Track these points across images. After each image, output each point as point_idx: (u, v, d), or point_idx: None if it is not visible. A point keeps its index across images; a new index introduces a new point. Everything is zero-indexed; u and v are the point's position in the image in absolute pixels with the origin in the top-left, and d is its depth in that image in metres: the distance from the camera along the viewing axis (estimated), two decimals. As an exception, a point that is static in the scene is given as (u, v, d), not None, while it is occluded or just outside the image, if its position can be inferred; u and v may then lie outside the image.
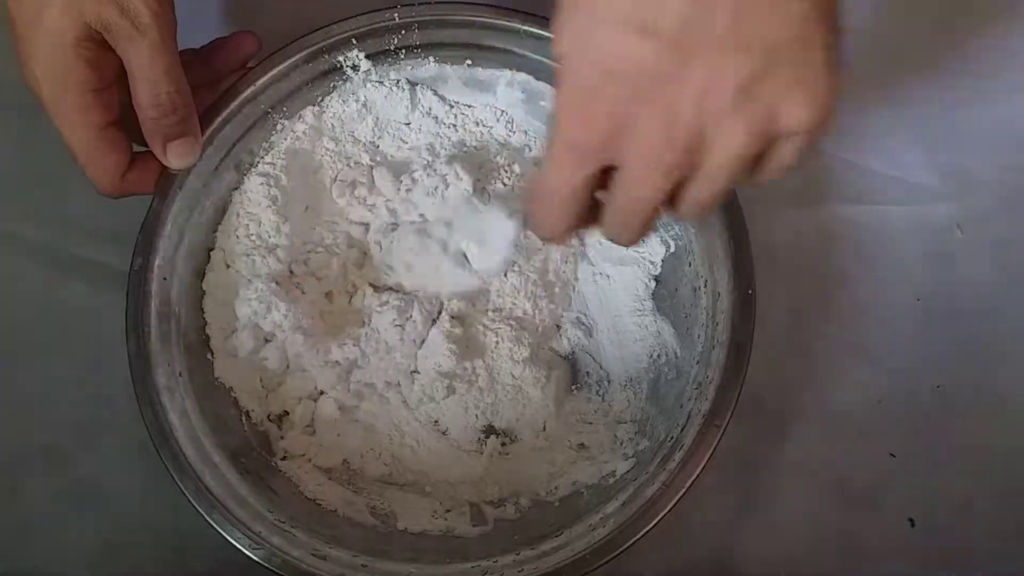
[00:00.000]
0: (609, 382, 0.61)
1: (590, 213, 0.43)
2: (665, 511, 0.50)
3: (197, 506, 0.51)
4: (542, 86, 0.61)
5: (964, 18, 0.70)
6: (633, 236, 0.43)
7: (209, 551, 0.58)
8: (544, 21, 0.58)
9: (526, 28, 0.58)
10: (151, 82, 0.51)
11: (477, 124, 0.64)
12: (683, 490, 0.50)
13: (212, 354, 0.58)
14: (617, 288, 0.62)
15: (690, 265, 0.58)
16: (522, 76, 0.61)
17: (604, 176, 0.41)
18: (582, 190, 0.41)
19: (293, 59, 0.59)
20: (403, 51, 0.61)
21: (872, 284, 0.65)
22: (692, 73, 0.36)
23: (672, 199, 0.41)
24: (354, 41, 0.59)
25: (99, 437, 0.61)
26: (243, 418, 0.58)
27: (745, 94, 0.36)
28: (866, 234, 0.66)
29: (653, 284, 0.61)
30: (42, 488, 0.61)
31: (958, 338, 0.64)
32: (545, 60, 0.59)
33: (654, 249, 0.61)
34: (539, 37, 0.58)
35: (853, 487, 0.62)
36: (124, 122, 0.54)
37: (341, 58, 0.60)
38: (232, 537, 0.51)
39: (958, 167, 0.67)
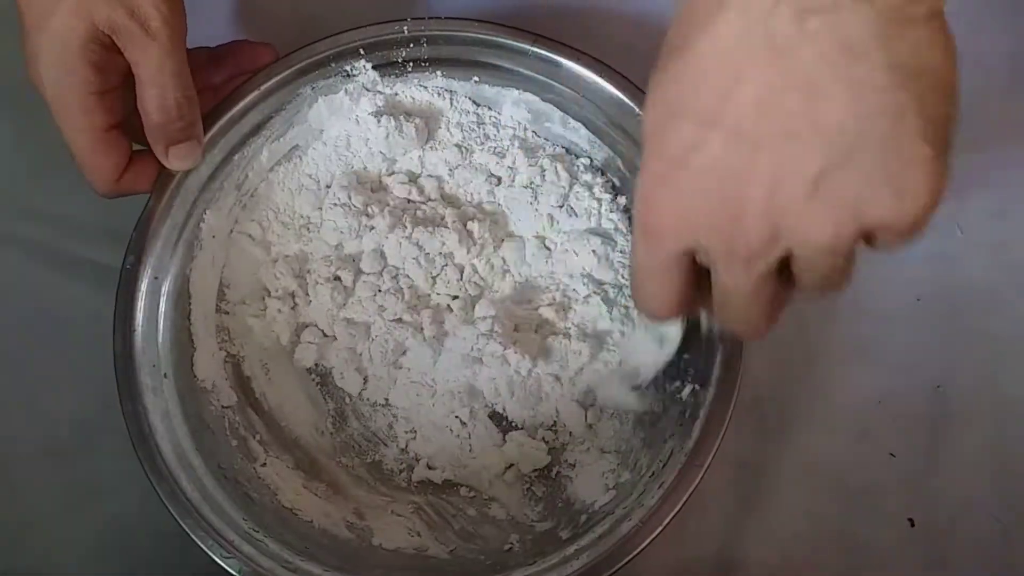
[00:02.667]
0: (601, 410, 0.61)
1: (701, 294, 0.42)
2: (639, 549, 0.50)
3: (171, 509, 0.52)
4: (547, 107, 0.61)
5: (961, 17, 0.70)
6: (746, 323, 0.41)
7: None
8: (553, 43, 0.58)
9: (535, 49, 0.59)
10: (159, 87, 0.51)
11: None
12: (660, 528, 0.50)
13: (195, 355, 0.59)
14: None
15: None
16: (529, 96, 0.61)
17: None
18: (672, 270, 0.40)
19: (299, 66, 0.59)
20: (410, 64, 0.61)
21: (872, 284, 0.65)
22: (760, 165, 0.35)
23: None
24: (362, 51, 0.59)
25: (99, 437, 0.61)
26: (225, 422, 0.58)
27: (821, 184, 0.34)
28: (866, 234, 0.66)
29: None
30: (42, 488, 0.61)
31: (958, 338, 0.64)
32: (552, 82, 0.60)
33: None
34: (547, 59, 0.59)
35: (853, 487, 0.62)
36: (125, 124, 0.54)
37: (348, 68, 0.60)
38: (203, 544, 0.51)
39: (958, 167, 0.67)
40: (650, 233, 0.39)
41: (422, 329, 0.60)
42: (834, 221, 0.35)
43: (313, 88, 0.60)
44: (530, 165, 0.62)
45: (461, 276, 0.61)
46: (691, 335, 0.55)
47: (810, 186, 0.34)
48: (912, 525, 0.61)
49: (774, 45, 0.33)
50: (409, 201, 0.62)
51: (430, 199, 0.63)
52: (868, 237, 0.36)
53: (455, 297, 0.61)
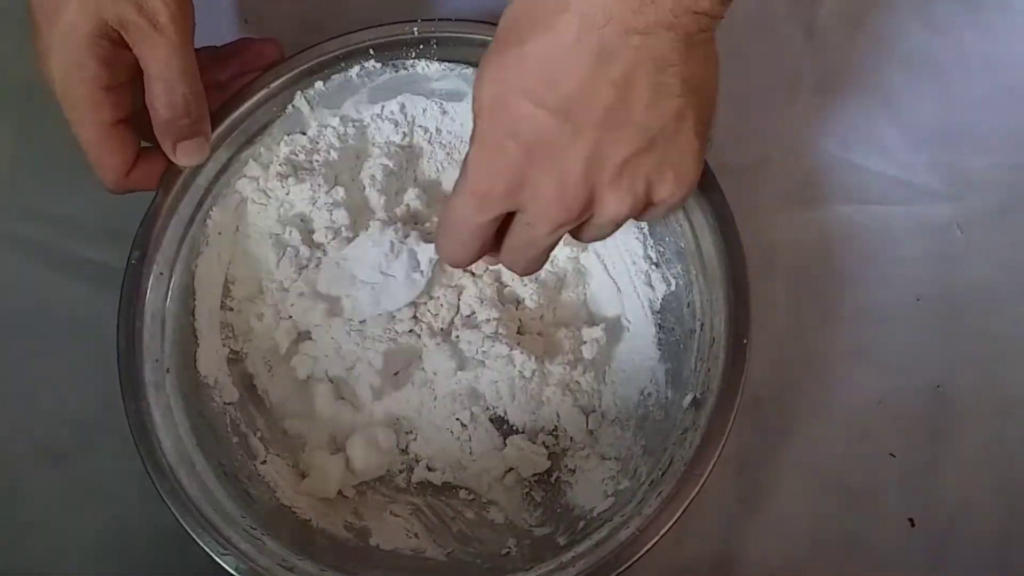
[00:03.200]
0: (603, 416, 0.61)
1: (492, 244, 0.49)
2: (636, 557, 0.50)
3: (170, 506, 0.52)
4: None
5: (963, 18, 0.70)
6: (528, 268, 0.50)
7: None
8: None
9: None
10: (166, 82, 0.52)
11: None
12: (657, 537, 0.50)
13: (198, 351, 0.59)
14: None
15: (688, 307, 0.58)
16: None
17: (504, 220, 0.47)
18: (485, 229, 0.47)
19: (308, 65, 0.59)
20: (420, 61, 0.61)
21: (872, 284, 0.65)
22: (581, 145, 0.42)
23: (572, 233, 0.48)
24: (371, 52, 0.59)
25: (99, 437, 0.61)
26: (226, 418, 0.58)
27: (626, 168, 0.43)
28: (866, 234, 0.66)
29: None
30: (42, 488, 0.61)
31: (958, 338, 0.64)
32: None
33: (656, 286, 0.61)
34: None
35: (853, 487, 0.62)
36: (134, 119, 0.54)
37: (357, 68, 0.60)
38: (200, 540, 0.51)
39: (958, 167, 0.67)
40: (482, 195, 0.45)
41: (424, 332, 0.60)
42: (632, 199, 0.44)
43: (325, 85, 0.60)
44: None
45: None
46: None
47: (617, 168, 0.43)
48: (912, 525, 0.62)
49: (602, 51, 0.40)
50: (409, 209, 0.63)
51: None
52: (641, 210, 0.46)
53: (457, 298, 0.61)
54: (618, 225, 0.47)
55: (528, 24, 0.42)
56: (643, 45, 0.40)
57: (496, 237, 0.48)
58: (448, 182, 0.64)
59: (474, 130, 0.45)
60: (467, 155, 0.45)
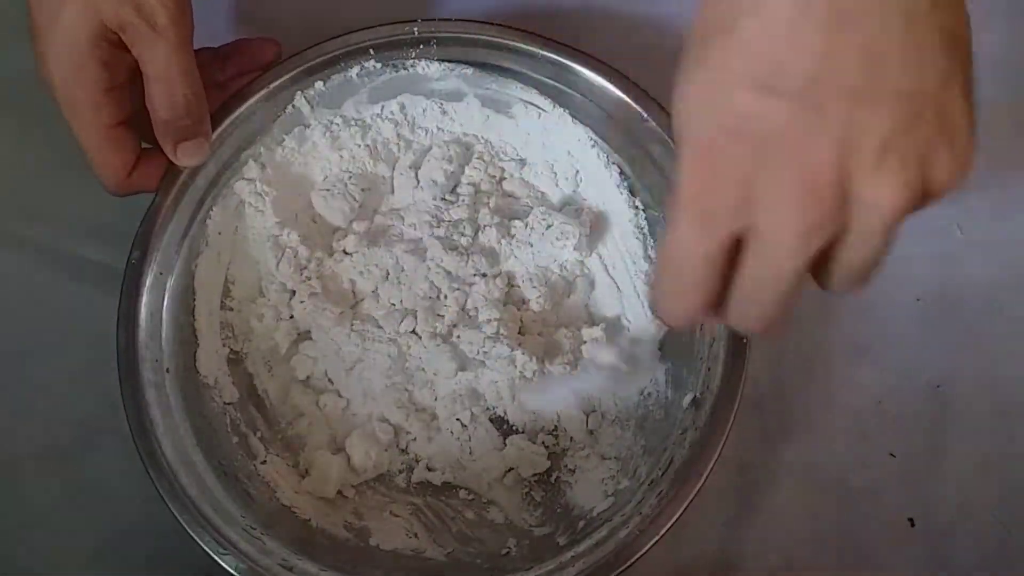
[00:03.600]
0: (603, 416, 0.61)
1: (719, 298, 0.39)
2: (636, 557, 0.51)
3: (170, 506, 0.52)
4: (559, 111, 0.61)
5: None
6: (766, 316, 0.39)
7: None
8: (562, 47, 0.58)
9: (544, 53, 0.58)
10: (166, 83, 0.52)
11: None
12: (657, 537, 0.51)
13: (198, 351, 0.59)
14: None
15: None
16: (539, 99, 0.61)
17: (732, 255, 0.37)
18: (717, 259, 0.37)
19: (307, 65, 0.59)
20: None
21: (872, 284, 0.65)
22: (828, 129, 0.34)
23: (817, 271, 0.38)
24: (371, 52, 0.59)
25: (99, 437, 0.61)
26: (226, 418, 0.58)
27: (890, 148, 0.34)
28: (866, 234, 0.66)
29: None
30: (42, 488, 0.61)
31: (958, 338, 0.64)
32: (561, 87, 0.60)
33: None
34: (556, 63, 0.59)
35: (853, 487, 0.62)
36: (134, 121, 0.54)
37: (357, 68, 0.60)
38: (201, 540, 0.51)
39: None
40: (705, 214, 0.36)
41: (425, 334, 0.60)
42: (904, 183, 0.34)
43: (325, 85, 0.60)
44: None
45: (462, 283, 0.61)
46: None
47: (879, 150, 0.34)
48: (912, 525, 0.61)
49: (836, 17, 0.33)
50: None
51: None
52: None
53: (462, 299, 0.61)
54: (891, 230, 0.35)
55: (730, 12, 0.35)
56: None
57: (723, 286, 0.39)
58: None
59: (680, 143, 0.37)
60: (676, 176, 0.37)
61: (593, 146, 0.61)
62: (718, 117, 0.35)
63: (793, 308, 0.38)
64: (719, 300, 0.39)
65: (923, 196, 0.35)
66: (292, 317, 0.60)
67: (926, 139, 0.34)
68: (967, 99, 0.35)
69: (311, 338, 0.60)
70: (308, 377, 0.60)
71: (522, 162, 0.64)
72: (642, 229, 0.61)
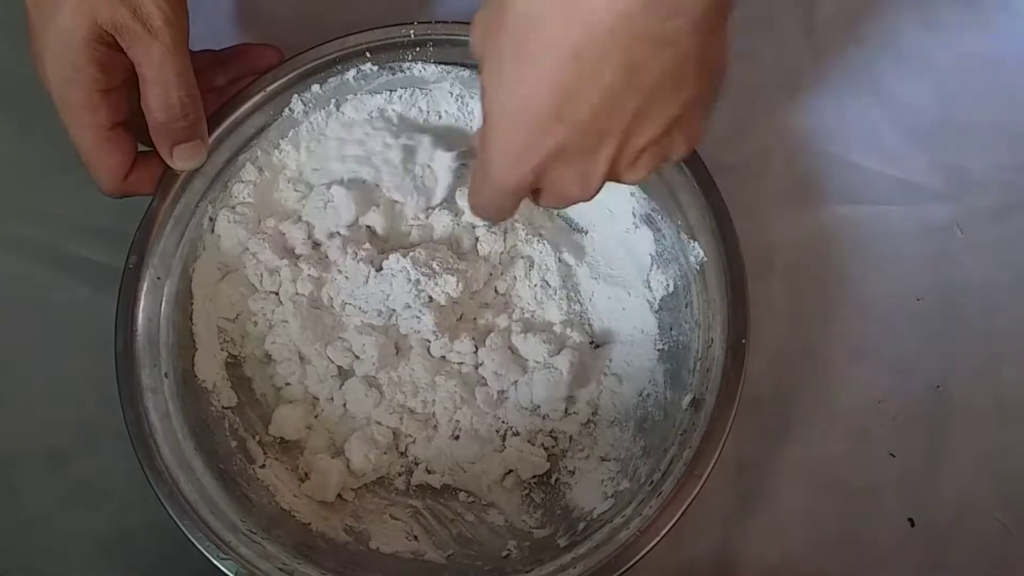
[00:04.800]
0: (602, 417, 0.61)
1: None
2: (636, 558, 0.51)
3: (169, 510, 0.52)
4: None
5: (963, 18, 0.70)
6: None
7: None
8: None
9: None
10: (162, 85, 0.52)
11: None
12: (657, 538, 0.51)
13: (196, 355, 0.58)
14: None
15: (687, 307, 0.58)
16: None
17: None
18: (511, 209, 0.48)
19: (304, 68, 0.59)
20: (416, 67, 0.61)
21: (872, 284, 0.65)
22: (604, 148, 0.42)
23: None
24: (368, 54, 0.59)
25: (99, 437, 0.61)
26: (225, 422, 0.58)
27: (644, 153, 0.43)
28: (866, 234, 0.66)
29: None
30: (42, 488, 0.61)
31: (958, 338, 0.64)
32: None
33: (655, 286, 0.61)
34: None
35: (853, 487, 0.62)
36: (130, 123, 0.54)
37: (354, 70, 0.60)
38: (201, 545, 0.51)
39: (958, 167, 0.67)
40: (508, 191, 0.46)
41: (419, 339, 0.60)
42: (647, 173, 0.44)
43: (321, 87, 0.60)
44: None
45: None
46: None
47: (635, 155, 0.43)
48: (912, 525, 0.62)
49: (624, 54, 0.38)
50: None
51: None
52: None
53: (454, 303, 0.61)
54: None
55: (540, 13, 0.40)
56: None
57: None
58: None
59: (484, 126, 0.44)
60: (481, 146, 0.45)
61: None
62: (523, 128, 0.42)
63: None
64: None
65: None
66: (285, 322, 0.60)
67: (672, 145, 0.43)
68: (705, 116, 0.43)
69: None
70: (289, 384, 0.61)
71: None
72: (637, 227, 0.61)
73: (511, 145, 0.43)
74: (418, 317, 0.59)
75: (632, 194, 0.61)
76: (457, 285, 0.59)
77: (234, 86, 0.59)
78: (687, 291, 0.58)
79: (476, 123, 0.63)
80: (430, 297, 0.59)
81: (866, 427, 0.63)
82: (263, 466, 0.58)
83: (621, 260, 0.62)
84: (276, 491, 0.57)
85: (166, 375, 0.55)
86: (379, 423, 0.59)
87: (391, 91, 0.61)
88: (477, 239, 0.62)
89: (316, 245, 0.61)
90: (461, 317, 0.61)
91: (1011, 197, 0.67)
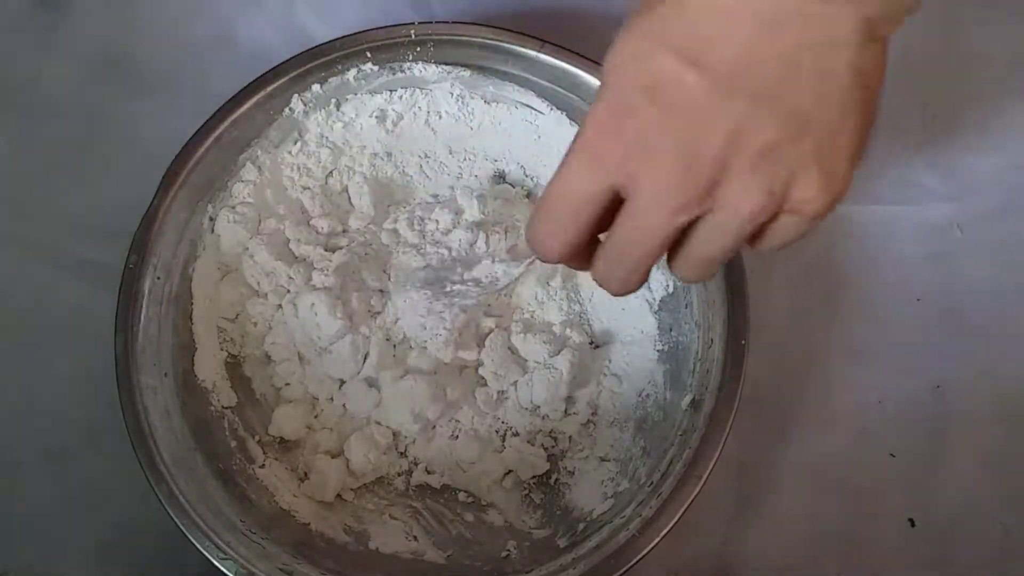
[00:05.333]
0: (601, 417, 0.61)
1: (587, 252, 0.42)
2: (636, 559, 0.51)
3: (169, 510, 0.52)
4: (557, 113, 0.61)
5: (966, 17, 0.70)
6: (626, 276, 0.41)
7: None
8: (560, 49, 0.58)
9: (541, 56, 0.58)
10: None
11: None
12: (657, 539, 0.51)
13: (196, 355, 0.59)
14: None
15: (687, 307, 0.58)
16: (537, 102, 0.61)
17: (608, 217, 0.40)
18: (597, 202, 0.39)
19: (306, 67, 0.59)
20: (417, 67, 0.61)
21: (872, 284, 0.65)
22: (727, 115, 0.36)
23: (671, 253, 0.41)
24: (368, 54, 0.59)
25: (99, 437, 0.61)
26: (224, 422, 0.58)
27: (769, 154, 0.36)
28: (866, 234, 0.66)
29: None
30: (42, 488, 0.61)
31: (958, 338, 0.65)
32: (559, 89, 0.60)
33: (654, 286, 0.61)
34: (554, 66, 0.58)
35: (853, 487, 0.62)
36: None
37: (355, 70, 0.60)
38: (200, 544, 0.51)
39: (958, 167, 0.67)
40: (597, 158, 0.38)
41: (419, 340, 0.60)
42: (767, 191, 0.36)
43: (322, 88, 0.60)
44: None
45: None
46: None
47: (759, 152, 0.36)
48: (912, 525, 0.62)
49: (771, 19, 0.35)
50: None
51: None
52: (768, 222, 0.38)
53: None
54: (743, 229, 0.38)
55: None
56: (818, 17, 0.35)
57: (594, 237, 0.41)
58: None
59: (600, 89, 0.38)
60: (584, 119, 0.39)
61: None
62: (640, 70, 0.37)
63: (650, 269, 0.41)
64: (588, 251, 0.42)
65: (782, 210, 0.37)
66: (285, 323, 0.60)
67: (803, 158, 0.36)
68: (858, 137, 0.37)
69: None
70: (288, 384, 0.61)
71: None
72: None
73: (616, 94, 0.37)
74: (424, 326, 0.59)
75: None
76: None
77: None
78: (687, 291, 0.58)
79: (476, 123, 0.63)
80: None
81: (866, 427, 0.63)
82: (263, 466, 0.58)
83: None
84: (276, 491, 0.57)
85: (166, 375, 0.56)
86: (379, 423, 0.59)
87: (391, 91, 0.62)
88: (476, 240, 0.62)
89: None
90: (467, 323, 0.61)
91: (1011, 197, 0.67)
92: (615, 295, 0.43)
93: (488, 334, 0.60)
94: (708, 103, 0.36)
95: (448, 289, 0.59)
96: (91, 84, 0.67)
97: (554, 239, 0.41)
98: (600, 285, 0.43)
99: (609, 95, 0.38)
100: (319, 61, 0.59)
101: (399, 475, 0.60)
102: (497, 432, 0.60)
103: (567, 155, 0.39)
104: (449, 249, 0.60)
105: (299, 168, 0.62)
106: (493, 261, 0.59)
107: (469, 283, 0.59)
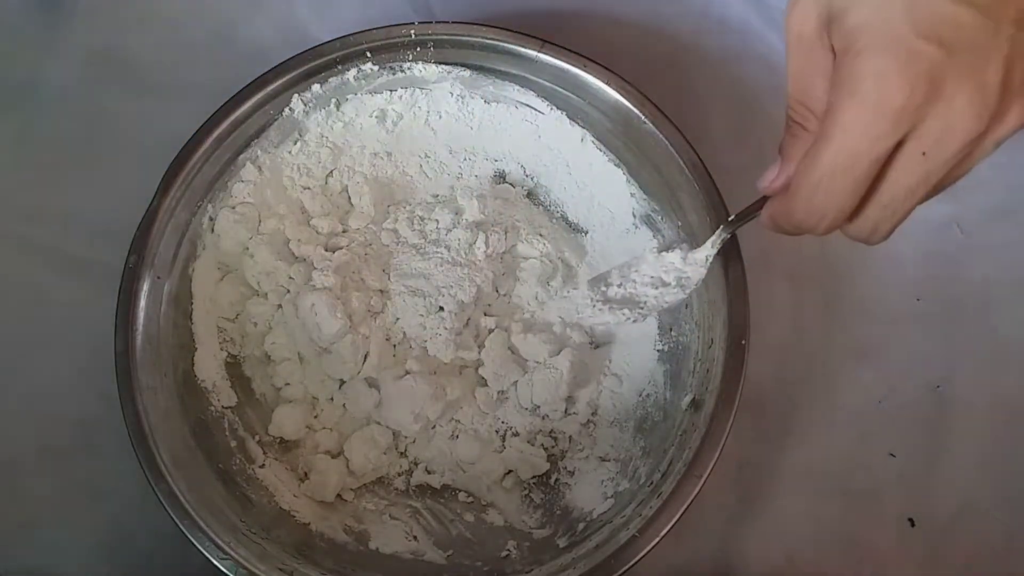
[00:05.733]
0: (597, 416, 0.61)
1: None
2: (636, 559, 0.51)
3: (168, 510, 0.52)
4: (557, 113, 0.61)
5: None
6: (892, 227, 0.42)
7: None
8: (560, 49, 0.58)
9: (541, 55, 0.58)
10: None
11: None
12: (657, 539, 0.51)
13: (196, 355, 0.58)
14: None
15: (687, 307, 0.58)
16: (537, 101, 0.61)
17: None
18: (878, 163, 0.39)
19: (306, 67, 0.59)
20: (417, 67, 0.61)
21: (872, 284, 0.65)
22: (1000, 44, 0.37)
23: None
24: (368, 54, 0.59)
25: (99, 437, 0.61)
26: (224, 422, 0.58)
27: None
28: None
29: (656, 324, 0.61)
30: (42, 488, 0.61)
31: (958, 338, 0.65)
32: (559, 89, 0.60)
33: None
34: (553, 65, 0.58)
35: (853, 487, 0.62)
36: None
37: (355, 70, 0.60)
38: (200, 544, 0.51)
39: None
40: (893, 111, 0.37)
41: (419, 341, 0.60)
42: None
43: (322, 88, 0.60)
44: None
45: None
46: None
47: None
48: (912, 525, 0.62)
49: None
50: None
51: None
52: None
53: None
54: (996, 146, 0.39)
55: None
56: None
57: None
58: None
59: (852, 50, 0.38)
60: (849, 71, 0.38)
61: (594, 147, 0.61)
62: (916, 17, 0.37)
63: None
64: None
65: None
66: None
67: None
68: None
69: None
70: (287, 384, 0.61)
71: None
72: (637, 227, 0.61)
73: (896, 44, 0.37)
74: (424, 326, 0.59)
75: (632, 195, 0.61)
76: (469, 290, 0.59)
77: None
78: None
79: (476, 123, 0.63)
80: (440, 307, 0.59)
81: (866, 427, 0.63)
82: (263, 466, 0.58)
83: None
84: (276, 491, 0.57)
85: (166, 375, 0.55)
86: (379, 423, 0.59)
87: (391, 91, 0.62)
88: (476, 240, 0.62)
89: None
90: (467, 323, 0.61)
91: (1011, 197, 0.67)
92: (873, 242, 0.43)
93: (488, 334, 0.60)
94: (983, 34, 0.37)
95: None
96: (91, 84, 0.67)
97: (839, 211, 0.41)
98: (858, 239, 0.43)
99: (881, 46, 0.38)
100: (319, 61, 0.59)
101: (399, 475, 0.60)
102: (497, 432, 0.60)
103: (836, 120, 0.39)
104: (448, 248, 0.61)
105: (299, 168, 0.62)
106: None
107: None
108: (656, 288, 0.55)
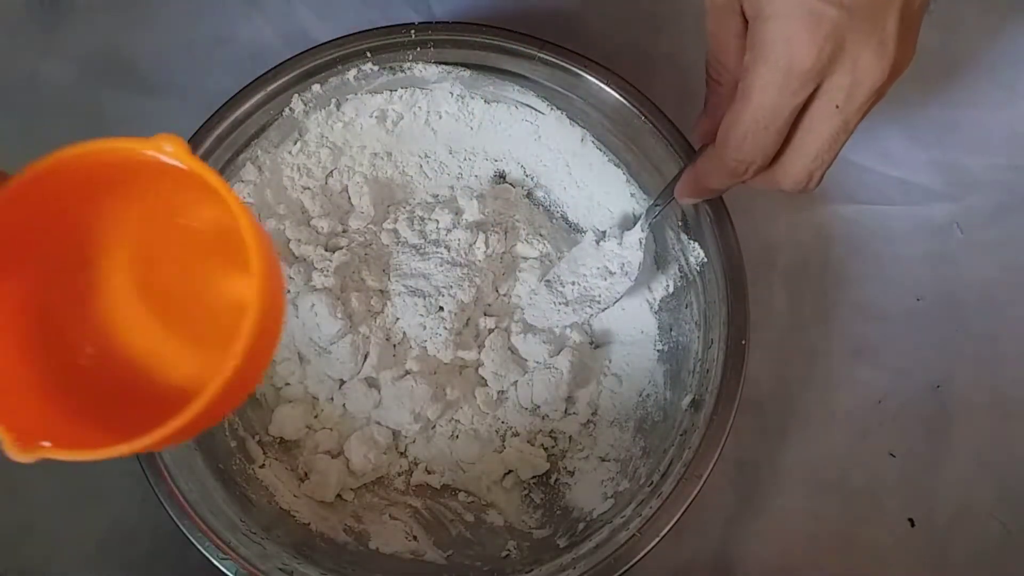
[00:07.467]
0: (601, 417, 0.61)
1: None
2: (636, 559, 0.51)
3: (169, 510, 0.52)
4: (556, 113, 0.61)
5: (967, 18, 0.70)
6: (817, 178, 0.45)
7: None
8: (560, 49, 0.58)
9: (541, 55, 0.58)
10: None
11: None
12: (657, 539, 0.51)
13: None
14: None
15: (687, 307, 0.58)
16: (537, 101, 0.61)
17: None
18: (791, 118, 0.43)
19: (306, 67, 0.59)
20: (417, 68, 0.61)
21: (872, 284, 0.65)
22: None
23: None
24: (368, 54, 0.59)
25: (99, 437, 0.61)
26: (224, 422, 0.58)
27: (914, 19, 0.42)
28: (866, 234, 0.66)
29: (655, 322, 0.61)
30: (42, 488, 0.61)
31: (958, 338, 0.65)
32: (558, 89, 0.60)
33: (654, 286, 0.61)
34: (553, 65, 0.58)
35: (853, 487, 0.62)
36: None
37: (355, 71, 0.60)
38: (200, 545, 0.51)
39: (958, 167, 0.67)
40: (801, 71, 0.41)
41: (419, 340, 0.60)
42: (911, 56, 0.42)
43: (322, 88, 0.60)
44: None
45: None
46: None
47: (913, 18, 0.41)
48: (912, 525, 0.62)
49: None
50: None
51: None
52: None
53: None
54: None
55: None
56: None
57: None
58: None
59: (769, 11, 0.41)
60: (760, 36, 0.41)
61: (594, 147, 0.61)
62: None
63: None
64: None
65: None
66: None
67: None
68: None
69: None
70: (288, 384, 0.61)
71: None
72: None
73: (798, 8, 0.40)
74: (424, 326, 0.59)
75: (632, 195, 0.61)
76: (469, 290, 0.59)
77: None
78: (687, 292, 0.58)
79: (476, 123, 0.63)
80: (440, 307, 0.59)
81: (866, 427, 0.63)
82: (263, 466, 0.58)
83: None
84: (276, 491, 0.57)
85: (165, 374, 0.55)
86: (379, 423, 0.59)
87: (391, 91, 0.61)
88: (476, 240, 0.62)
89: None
90: (467, 323, 0.61)
91: (1011, 197, 0.67)
92: (812, 190, 0.46)
93: (488, 334, 0.60)
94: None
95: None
96: (91, 84, 0.66)
97: (765, 157, 0.44)
98: (796, 191, 0.46)
99: (787, 10, 0.40)
100: (319, 61, 0.58)
101: (399, 475, 0.60)
102: (497, 432, 0.60)
103: (753, 82, 0.42)
104: (448, 249, 0.61)
105: (299, 168, 0.62)
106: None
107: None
108: (605, 279, 0.58)
